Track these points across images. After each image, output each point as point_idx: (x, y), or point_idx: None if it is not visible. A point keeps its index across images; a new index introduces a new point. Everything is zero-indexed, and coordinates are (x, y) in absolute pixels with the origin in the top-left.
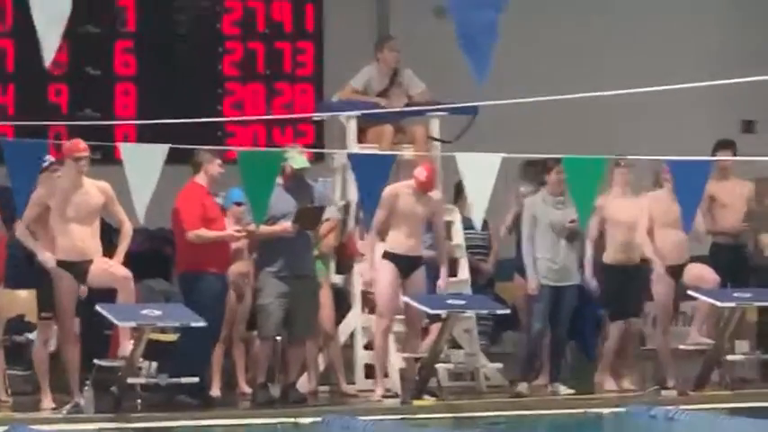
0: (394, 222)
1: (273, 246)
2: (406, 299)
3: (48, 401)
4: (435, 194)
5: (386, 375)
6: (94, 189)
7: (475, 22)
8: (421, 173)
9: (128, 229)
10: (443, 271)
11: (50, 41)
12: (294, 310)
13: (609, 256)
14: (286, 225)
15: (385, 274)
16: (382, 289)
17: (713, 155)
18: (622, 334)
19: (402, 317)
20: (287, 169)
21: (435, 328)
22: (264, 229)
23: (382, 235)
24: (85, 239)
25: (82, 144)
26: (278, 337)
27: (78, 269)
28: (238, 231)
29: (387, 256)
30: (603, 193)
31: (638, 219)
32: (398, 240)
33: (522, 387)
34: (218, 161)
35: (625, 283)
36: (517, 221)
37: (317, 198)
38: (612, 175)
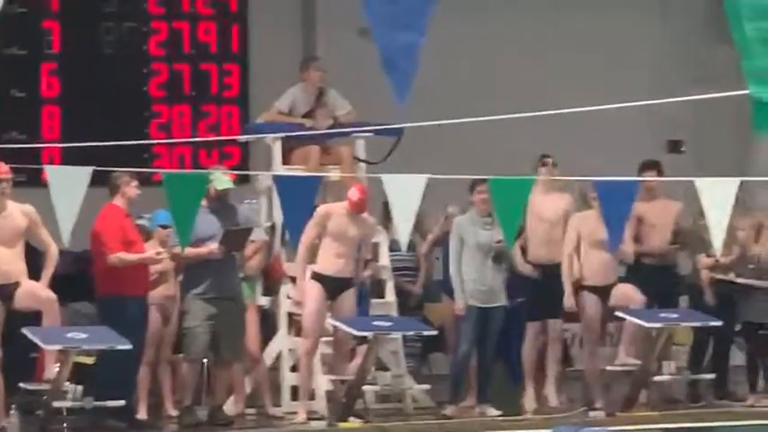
0: (325, 243)
1: (199, 268)
2: (332, 320)
3: None
4: (368, 219)
5: (311, 398)
6: (18, 212)
7: (396, 45)
8: (354, 194)
9: (53, 252)
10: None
11: None
12: (220, 332)
13: (532, 254)
14: (212, 247)
15: (312, 295)
16: (308, 310)
17: (639, 176)
18: (538, 337)
19: (329, 338)
20: (211, 191)
21: (362, 350)
22: (190, 251)
23: (311, 253)
24: (11, 262)
25: (3, 167)
26: (204, 360)
27: (4, 292)
28: (158, 253)
29: (315, 276)
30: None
31: (560, 214)
32: (328, 261)
33: (450, 409)
34: (135, 182)
35: (544, 282)
36: (444, 241)
37: (241, 220)
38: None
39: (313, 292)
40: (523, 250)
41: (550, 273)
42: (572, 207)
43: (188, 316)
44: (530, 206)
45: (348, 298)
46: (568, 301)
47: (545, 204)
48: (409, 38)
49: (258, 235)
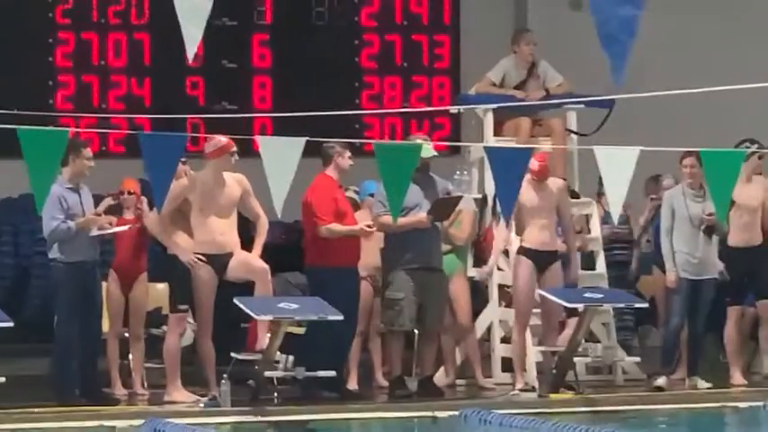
0: (524, 218)
1: (402, 238)
2: (542, 292)
3: (177, 394)
4: (554, 182)
5: (524, 370)
6: (232, 181)
7: (614, 18)
8: (533, 164)
9: (264, 222)
10: (574, 260)
11: (193, 34)
12: (425, 303)
13: (732, 239)
14: (421, 216)
15: (521, 270)
16: (520, 284)
17: None
18: (738, 320)
19: (538, 310)
20: None
21: (572, 321)
22: (402, 221)
23: (518, 229)
24: (225, 233)
25: (228, 140)
26: (415, 331)
27: (218, 262)
28: (369, 226)
29: (521, 251)
30: None
31: (759, 201)
32: (532, 235)
33: (661, 381)
34: (348, 153)
35: (746, 266)
36: (656, 215)
37: (440, 190)
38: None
39: (522, 266)
40: None
41: (752, 255)
42: None
43: (392, 287)
44: None
45: (555, 270)
46: None
47: (746, 192)
48: (628, 11)
49: (467, 204)
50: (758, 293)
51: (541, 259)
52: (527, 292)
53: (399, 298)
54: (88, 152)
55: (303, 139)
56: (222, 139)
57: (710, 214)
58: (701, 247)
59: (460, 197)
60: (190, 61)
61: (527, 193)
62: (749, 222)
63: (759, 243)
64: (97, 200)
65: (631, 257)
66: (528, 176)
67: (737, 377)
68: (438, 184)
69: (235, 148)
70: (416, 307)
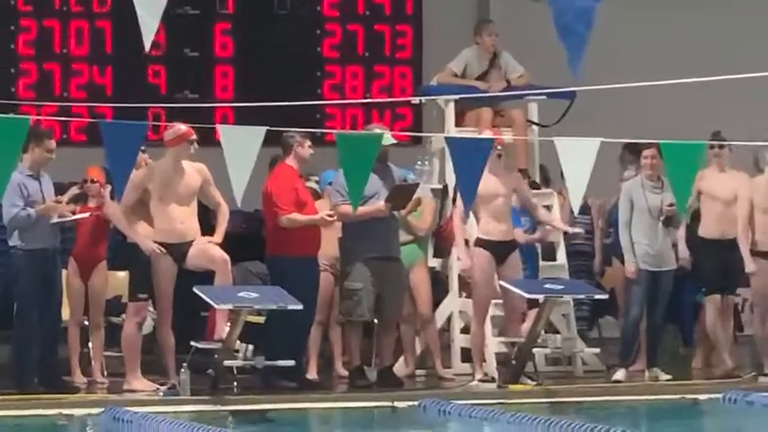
0: (480, 208)
1: (360, 228)
2: (503, 284)
3: (137, 383)
4: (512, 172)
5: (483, 360)
6: (191, 170)
7: (571, 10)
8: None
9: (225, 211)
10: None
11: (149, 24)
12: (384, 293)
13: (705, 230)
14: (380, 204)
15: (480, 262)
16: (478, 275)
17: None
18: (719, 310)
19: (500, 301)
20: None
21: (532, 313)
22: (361, 209)
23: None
24: (185, 221)
25: (189, 128)
26: (375, 321)
27: (178, 251)
28: (330, 215)
29: (480, 242)
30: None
31: (734, 194)
32: (490, 226)
33: (620, 374)
34: (308, 142)
35: (720, 258)
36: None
37: (396, 178)
38: (709, 155)
39: (480, 258)
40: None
41: (727, 247)
42: (747, 184)
43: (350, 277)
44: (702, 185)
45: (514, 260)
46: (750, 265)
47: (719, 183)
48: (585, 2)
49: (426, 193)
50: (726, 288)
51: (500, 250)
52: (486, 283)
53: (357, 288)
54: (51, 143)
55: (263, 129)
56: (182, 127)
57: (671, 205)
58: (660, 239)
59: (417, 184)
60: (146, 50)
61: (487, 182)
62: (722, 213)
63: (733, 237)
64: (58, 188)
65: (592, 247)
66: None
67: (727, 361)
68: (395, 172)
69: (194, 137)
70: (375, 297)
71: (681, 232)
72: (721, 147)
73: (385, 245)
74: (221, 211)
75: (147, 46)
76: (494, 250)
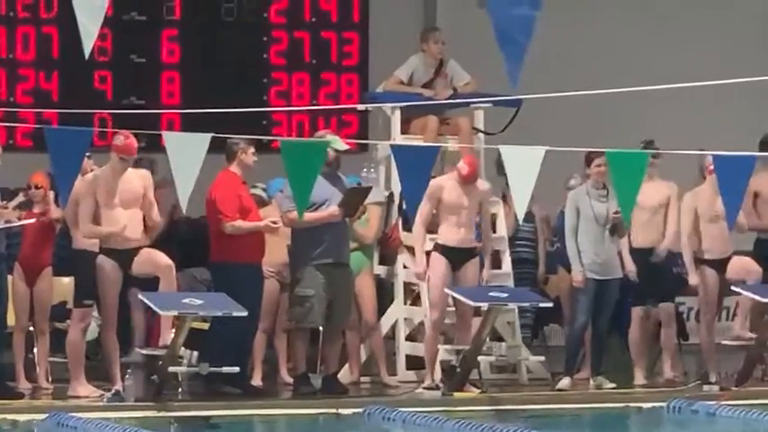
0: (442, 215)
1: (309, 234)
2: (447, 290)
3: (82, 389)
4: (482, 185)
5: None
6: (136, 176)
7: (510, 19)
8: (463, 167)
9: (156, 215)
10: (487, 262)
11: (90, 30)
12: (333, 300)
13: (634, 240)
14: (333, 209)
15: (437, 267)
16: (435, 281)
17: (760, 150)
18: (642, 321)
19: (451, 309)
20: (330, 154)
21: (477, 320)
22: (311, 215)
23: (428, 227)
24: (130, 228)
25: (134, 144)
26: (320, 328)
27: (123, 257)
28: (274, 222)
29: (438, 248)
30: None
31: (660, 203)
32: (448, 232)
33: (564, 383)
34: (252, 150)
35: (649, 268)
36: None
37: (347, 186)
38: None
39: (438, 264)
40: None
41: (650, 257)
42: (675, 193)
43: (302, 283)
44: None
45: (472, 268)
46: (693, 277)
47: (647, 192)
48: (524, 11)
49: (376, 196)
50: (659, 296)
51: (457, 256)
52: (441, 289)
53: (310, 295)
54: None
55: (209, 136)
56: (122, 141)
57: (617, 212)
58: (606, 247)
59: (370, 187)
60: (86, 56)
61: (453, 191)
62: (647, 222)
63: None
64: (4, 193)
65: (536, 255)
66: (454, 175)
67: (639, 377)
68: (345, 181)
69: (131, 156)
70: (327, 303)
71: (624, 241)
72: (655, 156)
73: (336, 250)
74: (151, 215)
75: (87, 51)
76: (451, 256)
